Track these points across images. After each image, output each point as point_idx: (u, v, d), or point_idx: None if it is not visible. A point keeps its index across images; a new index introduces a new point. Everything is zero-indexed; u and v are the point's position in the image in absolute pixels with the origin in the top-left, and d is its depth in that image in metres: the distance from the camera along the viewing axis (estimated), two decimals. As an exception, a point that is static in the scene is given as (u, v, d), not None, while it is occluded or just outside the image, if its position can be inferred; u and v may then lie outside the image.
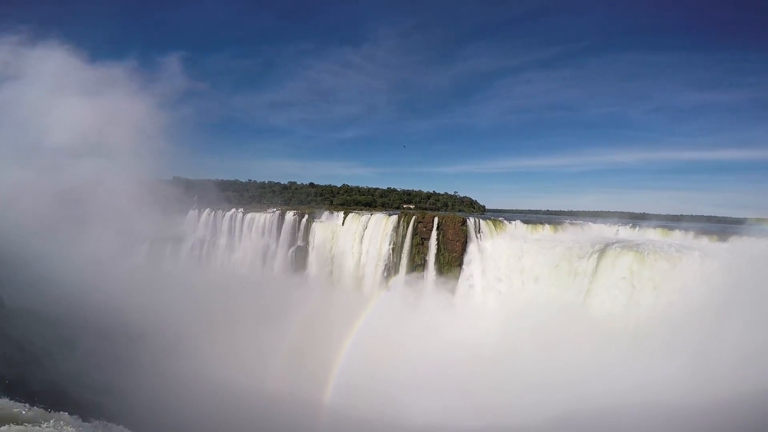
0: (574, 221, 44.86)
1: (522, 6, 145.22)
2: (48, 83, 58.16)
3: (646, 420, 20.03)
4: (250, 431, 21.50)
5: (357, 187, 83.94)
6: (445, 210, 75.57)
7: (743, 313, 24.09)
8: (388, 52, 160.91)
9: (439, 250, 42.70)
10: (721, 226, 44.22)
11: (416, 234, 43.79)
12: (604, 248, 33.56)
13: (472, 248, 41.29)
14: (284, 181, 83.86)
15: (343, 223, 49.80)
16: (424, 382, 28.00)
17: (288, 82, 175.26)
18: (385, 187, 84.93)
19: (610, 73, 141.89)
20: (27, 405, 9.68)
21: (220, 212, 57.02)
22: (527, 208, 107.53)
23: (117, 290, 36.27)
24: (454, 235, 42.20)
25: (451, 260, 41.97)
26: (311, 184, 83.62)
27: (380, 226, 46.04)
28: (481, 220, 43.04)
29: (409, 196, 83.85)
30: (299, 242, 51.15)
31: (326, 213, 53.91)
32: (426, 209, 69.60)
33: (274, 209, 56.02)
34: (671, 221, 55.31)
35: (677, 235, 36.54)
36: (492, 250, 40.59)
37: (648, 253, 31.27)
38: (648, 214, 63.89)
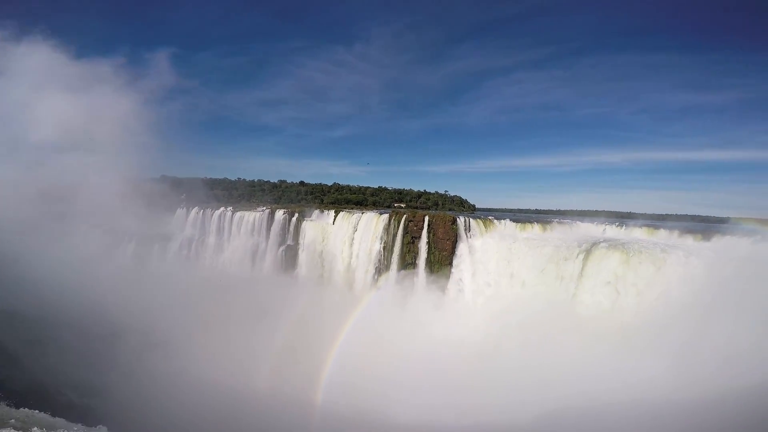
0: (562, 220, 45.35)
1: (513, 7, 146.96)
2: (32, 79, 56.97)
3: (633, 418, 20.20)
4: (239, 431, 21.29)
5: (348, 186, 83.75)
6: (436, 209, 75.81)
7: (727, 311, 24.50)
8: (380, 51, 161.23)
9: (429, 248, 42.81)
10: (705, 226, 45.14)
11: (407, 233, 43.83)
12: (591, 247, 33.98)
13: (462, 247, 41.47)
14: (274, 180, 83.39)
15: (333, 222, 49.60)
16: (415, 380, 28.04)
17: (279, 80, 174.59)
18: (376, 186, 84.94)
19: (598, 73, 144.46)
20: (5, 405, 9.41)
21: (208, 211, 56.33)
22: (516, 207, 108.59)
23: (102, 290, 35.62)
24: (445, 234, 42.34)
25: (442, 259, 42.11)
26: (301, 183, 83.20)
27: (371, 225, 45.96)
28: (471, 219, 43.22)
29: (400, 195, 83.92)
30: (289, 241, 50.78)
31: (317, 212, 53.64)
32: (417, 208, 69.71)
33: (264, 208, 55.52)
34: (657, 220, 56.39)
35: (662, 234, 37.16)
36: (482, 248, 40.80)
37: (634, 253, 31.75)
38: (634, 213, 65.16)
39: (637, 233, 39.03)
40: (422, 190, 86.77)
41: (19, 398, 10.55)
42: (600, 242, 34.54)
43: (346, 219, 48.44)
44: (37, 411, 9.30)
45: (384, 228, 44.89)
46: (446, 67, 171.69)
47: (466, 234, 42.05)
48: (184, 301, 37.39)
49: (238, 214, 54.33)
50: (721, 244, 31.77)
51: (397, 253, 43.63)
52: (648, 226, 39.77)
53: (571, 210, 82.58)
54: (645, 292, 30.27)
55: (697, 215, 71.64)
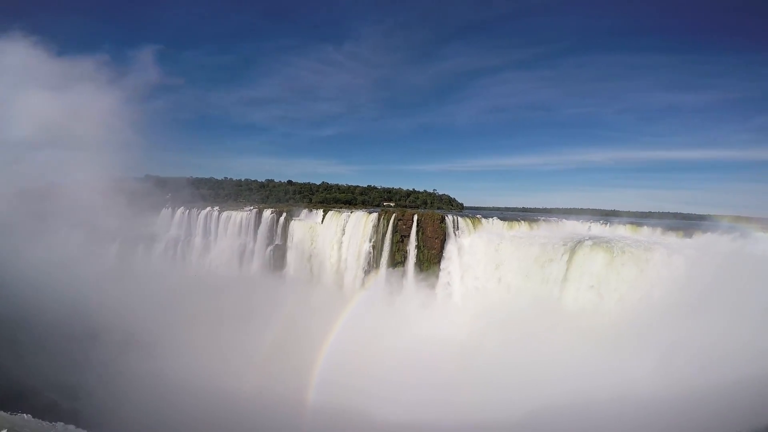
0: (548, 218, 46.00)
1: (502, 7, 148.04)
2: (9, 76, 55.38)
3: (618, 416, 20.42)
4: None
5: (337, 185, 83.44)
6: (425, 208, 76.07)
7: (709, 308, 25.01)
8: (370, 50, 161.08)
9: (418, 247, 42.95)
10: (686, 223, 46.30)
11: (396, 231, 43.89)
12: (577, 245, 34.54)
13: (450, 245, 41.72)
14: (261, 179, 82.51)
15: (322, 222, 49.38)
16: (405, 378, 28.06)
17: (267, 79, 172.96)
18: (365, 185, 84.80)
19: (584, 73, 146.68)
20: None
21: (194, 211, 55.51)
22: (504, 206, 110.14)
23: (85, 291, 34.80)
24: (433, 233, 42.53)
25: (431, 257, 42.30)
26: (289, 182, 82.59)
27: (360, 224, 45.89)
28: (459, 218, 43.54)
29: (389, 194, 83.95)
30: (277, 241, 50.40)
31: (305, 211, 53.37)
32: (406, 207, 69.86)
33: (251, 207, 54.97)
34: (640, 218, 57.62)
35: (646, 232, 38.06)
36: (470, 246, 41.14)
37: (619, 250, 32.38)
38: (618, 211, 66.32)
39: (622, 231, 39.88)
40: (411, 189, 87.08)
41: (-2, 401, 10.24)
42: (585, 240, 35.13)
43: (335, 218, 48.27)
44: (19, 413, 9.03)
45: (373, 227, 44.87)
46: (435, 66, 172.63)
47: (455, 232, 42.33)
48: (171, 302, 36.78)
49: (225, 213, 53.67)
50: (702, 241, 32.69)
51: (387, 252, 43.65)
52: (632, 223, 40.65)
53: (557, 208, 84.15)
54: (629, 289, 30.90)
55: (679, 213, 73.72)
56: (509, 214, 54.06)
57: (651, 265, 30.65)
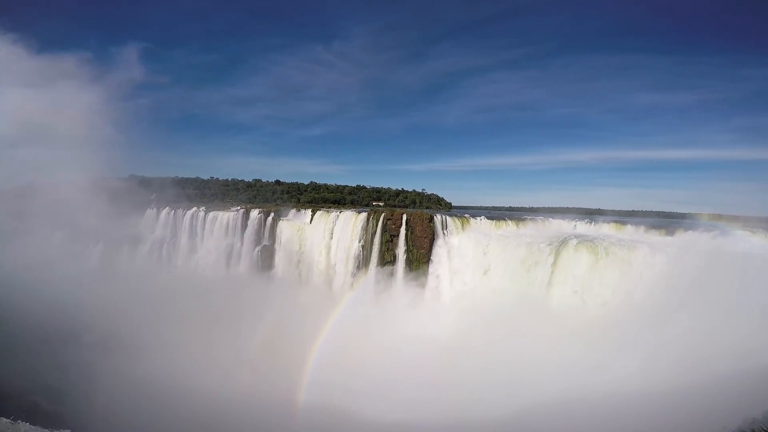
0: (535, 217, 46.64)
1: (491, 8, 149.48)
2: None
3: (604, 414, 20.64)
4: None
5: (325, 185, 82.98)
6: (413, 207, 76.28)
7: (692, 305, 25.58)
8: (360, 50, 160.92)
9: (408, 246, 43.08)
10: (668, 221, 47.51)
11: (386, 231, 43.94)
12: (563, 243, 35.08)
13: (439, 244, 41.99)
14: (249, 179, 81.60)
15: (311, 222, 49.13)
16: (396, 377, 28.11)
17: (255, 77, 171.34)
18: (354, 185, 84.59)
19: (570, 74, 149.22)
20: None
21: (180, 211, 54.61)
22: (491, 205, 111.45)
23: (68, 293, 33.98)
24: (422, 232, 42.72)
25: (420, 256, 42.48)
26: (277, 182, 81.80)
27: (349, 223, 45.80)
28: (447, 217, 43.84)
29: (378, 194, 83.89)
30: (265, 241, 49.95)
31: (293, 211, 53.02)
32: (395, 207, 69.95)
33: (238, 207, 54.36)
34: (625, 216, 58.85)
35: (629, 230, 38.93)
36: (458, 246, 41.45)
37: (603, 250, 32.99)
38: (603, 209, 67.64)
39: (606, 229, 40.68)
40: (400, 188, 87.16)
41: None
42: (571, 239, 35.70)
43: (324, 218, 48.07)
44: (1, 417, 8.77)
45: (362, 227, 44.84)
46: (425, 66, 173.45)
47: (443, 232, 42.61)
48: (157, 303, 36.16)
49: (212, 214, 52.94)
50: (684, 239, 33.54)
51: (376, 251, 43.68)
52: (616, 222, 41.50)
53: (544, 207, 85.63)
54: (613, 288, 31.48)
55: (661, 211, 75.67)
56: (497, 214, 54.62)
57: (634, 263, 31.30)
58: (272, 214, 50.66)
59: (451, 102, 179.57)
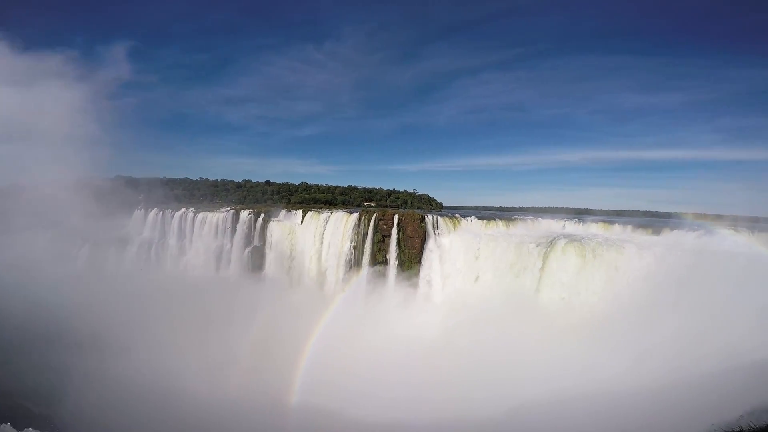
0: (525, 217, 47.07)
1: (482, 9, 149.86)
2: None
3: (593, 414, 20.84)
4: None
5: (316, 185, 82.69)
6: (405, 207, 76.41)
7: (678, 304, 26.04)
8: (351, 50, 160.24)
9: (399, 246, 43.12)
10: (655, 221, 48.34)
11: (377, 231, 43.92)
12: (551, 243, 35.44)
13: (430, 244, 42.10)
14: (238, 179, 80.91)
15: (302, 222, 48.89)
16: (389, 377, 28.09)
17: (245, 77, 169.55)
18: (345, 185, 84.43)
19: (559, 75, 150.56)
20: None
21: (168, 212, 53.89)
22: (482, 205, 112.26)
23: (55, 295, 33.39)
24: (414, 232, 42.80)
25: (411, 257, 42.55)
26: (267, 182, 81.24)
27: (341, 224, 45.68)
28: (438, 217, 44.00)
29: (369, 194, 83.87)
30: (255, 242, 49.54)
31: (284, 212, 52.69)
32: (386, 207, 69.97)
33: (228, 208, 53.85)
34: (612, 216, 59.75)
35: (617, 229, 39.50)
36: (450, 245, 41.63)
37: (591, 249, 33.41)
38: (591, 209, 68.57)
39: (594, 229, 41.23)
40: (392, 189, 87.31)
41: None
42: (560, 238, 36.09)
43: (315, 219, 47.86)
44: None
45: (354, 227, 44.74)
46: (416, 66, 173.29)
47: (435, 232, 42.75)
48: (145, 307, 35.63)
49: (201, 215, 52.32)
50: (670, 238, 34.15)
51: (368, 251, 43.64)
52: (604, 221, 42.07)
53: (533, 207, 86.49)
54: (602, 286, 31.90)
55: (648, 211, 77.06)
56: (487, 214, 55.01)
57: (622, 262, 31.76)
58: (263, 215, 50.27)
59: (443, 102, 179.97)
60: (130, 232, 54.04)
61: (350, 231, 44.73)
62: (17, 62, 57.41)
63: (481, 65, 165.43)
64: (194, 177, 79.70)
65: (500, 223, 44.11)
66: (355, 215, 45.53)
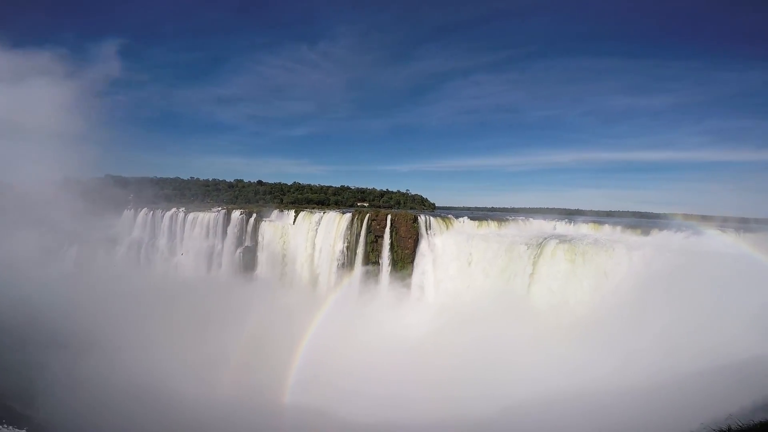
0: (516, 218, 47.40)
1: (474, 10, 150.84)
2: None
3: (583, 413, 21.03)
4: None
5: (309, 186, 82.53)
6: (398, 208, 76.56)
7: (668, 304, 26.25)
8: (345, 50, 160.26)
9: (392, 247, 43.13)
10: (644, 221, 48.98)
11: (370, 232, 43.90)
12: (542, 244, 35.69)
13: (423, 244, 42.19)
14: (230, 179, 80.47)
15: (294, 222, 48.66)
16: (382, 376, 28.03)
17: (237, 76, 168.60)
18: (338, 186, 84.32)
19: (550, 77, 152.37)
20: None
21: (159, 212, 53.30)
22: (474, 206, 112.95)
23: (41, 295, 32.82)
24: (407, 232, 42.84)
25: (404, 257, 42.58)
26: (259, 182, 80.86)
27: (334, 224, 45.57)
28: (431, 218, 44.12)
29: (362, 195, 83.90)
30: (247, 242, 49.21)
31: (276, 212, 52.40)
32: (379, 207, 69.99)
33: (219, 208, 53.44)
34: (602, 217, 60.50)
35: (607, 230, 39.95)
36: (442, 246, 41.74)
37: (581, 249, 33.71)
38: (582, 210, 69.38)
39: (584, 229, 41.66)
40: (385, 189, 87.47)
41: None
42: (551, 239, 36.36)
43: (308, 219, 47.67)
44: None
45: (347, 227, 44.67)
46: (409, 67, 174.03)
47: (427, 232, 42.84)
48: (134, 308, 35.12)
49: (192, 215, 51.82)
50: (659, 239, 34.60)
51: (361, 251, 43.60)
52: (594, 222, 42.53)
53: (524, 208, 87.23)
54: (592, 287, 32.18)
55: (637, 211, 78.17)
56: (479, 214, 55.30)
57: (612, 263, 32.07)
58: (254, 215, 49.95)
59: (435, 103, 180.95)
60: (119, 232, 53.32)
61: (343, 231, 44.65)
62: (5, 59, 56.33)
63: (474, 66, 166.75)
64: (185, 176, 79.24)
65: (492, 224, 44.36)
66: (348, 215, 45.45)
